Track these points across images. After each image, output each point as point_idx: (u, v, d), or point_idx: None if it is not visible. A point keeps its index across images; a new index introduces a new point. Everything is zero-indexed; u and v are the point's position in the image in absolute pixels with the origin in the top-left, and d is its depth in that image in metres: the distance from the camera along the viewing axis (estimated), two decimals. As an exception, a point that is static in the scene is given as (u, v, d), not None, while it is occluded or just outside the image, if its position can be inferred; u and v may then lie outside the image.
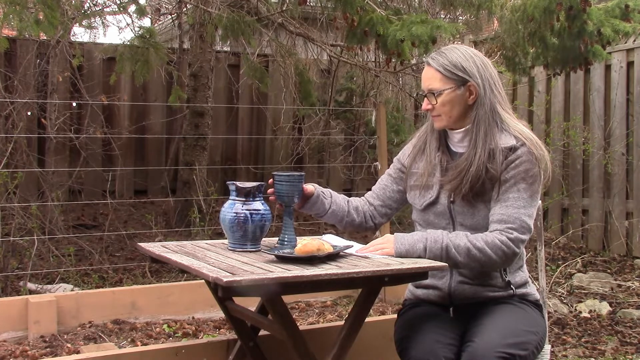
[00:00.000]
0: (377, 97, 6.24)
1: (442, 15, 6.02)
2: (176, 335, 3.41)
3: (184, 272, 4.42)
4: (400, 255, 2.01)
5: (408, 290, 2.28)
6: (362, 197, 2.35)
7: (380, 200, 2.31)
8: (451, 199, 2.11)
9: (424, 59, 2.27)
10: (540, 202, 2.44)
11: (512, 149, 2.06)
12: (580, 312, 4.18)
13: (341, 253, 2.05)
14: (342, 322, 2.12)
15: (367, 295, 1.98)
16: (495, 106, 2.11)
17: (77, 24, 5.69)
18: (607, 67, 5.72)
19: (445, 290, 2.13)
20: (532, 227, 2.07)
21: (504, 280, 2.11)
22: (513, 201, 2.02)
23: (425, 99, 2.13)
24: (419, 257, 2.00)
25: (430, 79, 2.12)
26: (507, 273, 2.12)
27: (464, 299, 2.12)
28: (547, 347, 2.20)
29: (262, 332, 2.38)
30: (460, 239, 2.01)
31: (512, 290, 2.11)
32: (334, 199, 2.25)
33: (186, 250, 2.14)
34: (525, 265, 2.23)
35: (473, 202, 2.08)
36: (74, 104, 6.27)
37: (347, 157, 6.68)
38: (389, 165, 2.39)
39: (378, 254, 2.04)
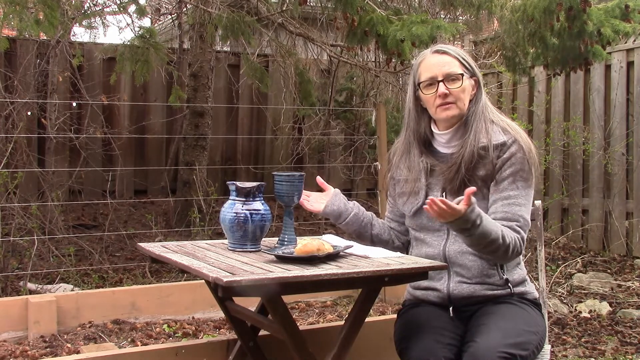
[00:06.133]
0: (377, 97, 6.24)
1: (442, 15, 6.02)
2: (176, 335, 3.41)
3: (184, 272, 4.42)
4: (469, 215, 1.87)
5: (407, 291, 2.29)
6: (382, 221, 2.37)
7: (396, 221, 2.33)
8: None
9: (425, 50, 2.27)
10: (540, 201, 2.45)
11: (504, 145, 2.09)
12: (580, 312, 4.18)
13: (341, 253, 2.05)
14: (342, 322, 2.12)
15: (367, 295, 1.98)
16: (486, 101, 2.20)
17: (77, 24, 5.70)
18: (607, 67, 5.72)
19: (444, 291, 2.14)
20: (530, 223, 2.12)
21: (501, 278, 2.12)
22: (515, 199, 2.06)
23: (441, 84, 2.12)
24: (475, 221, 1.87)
25: (449, 63, 2.14)
26: (505, 271, 2.13)
27: (463, 299, 2.12)
28: (547, 347, 2.20)
29: (262, 332, 2.38)
30: (496, 225, 1.96)
31: (510, 289, 2.12)
32: (361, 210, 2.30)
33: (186, 250, 2.14)
34: (522, 264, 2.23)
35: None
36: (74, 104, 6.27)
37: (347, 157, 6.69)
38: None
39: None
